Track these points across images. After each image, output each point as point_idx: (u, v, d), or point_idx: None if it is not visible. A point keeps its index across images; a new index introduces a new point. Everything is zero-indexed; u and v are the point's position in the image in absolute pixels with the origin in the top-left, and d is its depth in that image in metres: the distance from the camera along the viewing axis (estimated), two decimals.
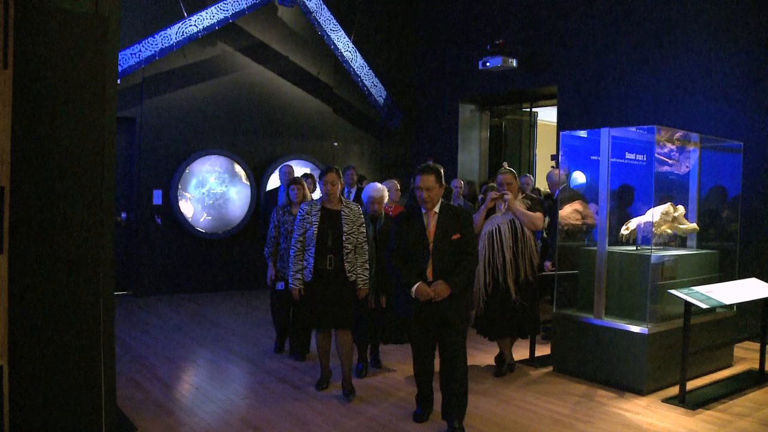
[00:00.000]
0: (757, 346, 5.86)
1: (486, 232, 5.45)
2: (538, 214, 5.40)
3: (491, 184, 7.33)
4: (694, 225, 6.02)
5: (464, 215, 4.27)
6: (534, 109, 11.42)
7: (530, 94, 10.53)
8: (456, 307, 4.15)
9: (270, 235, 5.98)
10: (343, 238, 4.82)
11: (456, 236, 4.14)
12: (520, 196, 5.49)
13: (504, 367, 5.65)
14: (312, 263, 4.81)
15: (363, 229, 4.95)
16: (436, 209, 4.21)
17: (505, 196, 5.38)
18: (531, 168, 11.27)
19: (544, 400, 4.96)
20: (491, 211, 5.53)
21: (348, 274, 4.84)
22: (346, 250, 4.83)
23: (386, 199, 5.59)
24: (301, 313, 6.00)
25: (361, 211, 5.03)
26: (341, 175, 4.98)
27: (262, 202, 9.14)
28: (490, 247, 5.40)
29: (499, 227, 5.38)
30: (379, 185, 5.54)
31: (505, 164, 5.41)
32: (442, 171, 4.16)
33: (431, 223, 4.18)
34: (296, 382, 5.35)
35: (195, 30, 8.91)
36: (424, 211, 4.22)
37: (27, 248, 3.67)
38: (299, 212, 4.94)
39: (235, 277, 9.83)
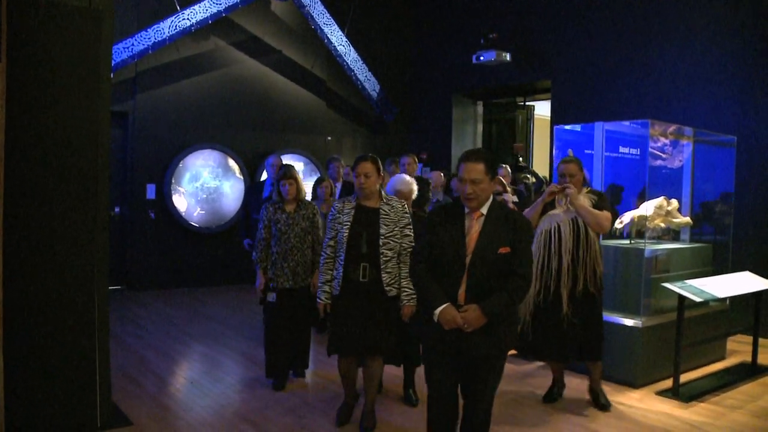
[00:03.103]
0: (749, 339, 5.90)
1: (542, 230, 4.59)
2: (606, 213, 4.49)
3: (497, 177, 7.12)
4: (688, 219, 6.05)
5: (521, 223, 3.21)
6: (530, 103, 11.42)
7: (524, 88, 10.53)
8: (491, 342, 3.13)
9: (259, 237, 5.06)
10: (380, 243, 3.97)
11: (504, 249, 3.11)
12: (584, 191, 4.64)
13: (554, 391, 4.89)
14: (341, 273, 4.01)
15: (408, 232, 4.07)
16: (484, 210, 3.19)
17: (567, 190, 4.49)
18: (528, 161, 11.26)
19: (538, 394, 4.97)
20: (548, 206, 4.67)
21: (386, 288, 3.98)
22: (385, 258, 3.97)
23: (415, 194, 4.75)
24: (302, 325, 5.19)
25: (407, 210, 4.16)
26: (381, 166, 4.13)
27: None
28: (546, 249, 4.54)
29: (559, 226, 4.52)
30: (407, 177, 4.71)
31: (570, 152, 4.81)
32: (495, 160, 3.23)
33: (474, 227, 3.16)
34: (292, 376, 5.35)
35: (188, 24, 8.87)
36: (467, 210, 3.20)
37: (21, 243, 3.66)
38: (331, 211, 4.13)
39: (229, 271, 9.80)
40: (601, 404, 4.68)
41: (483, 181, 3.12)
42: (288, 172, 5.05)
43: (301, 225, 4.99)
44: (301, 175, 5.18)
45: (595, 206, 4.51)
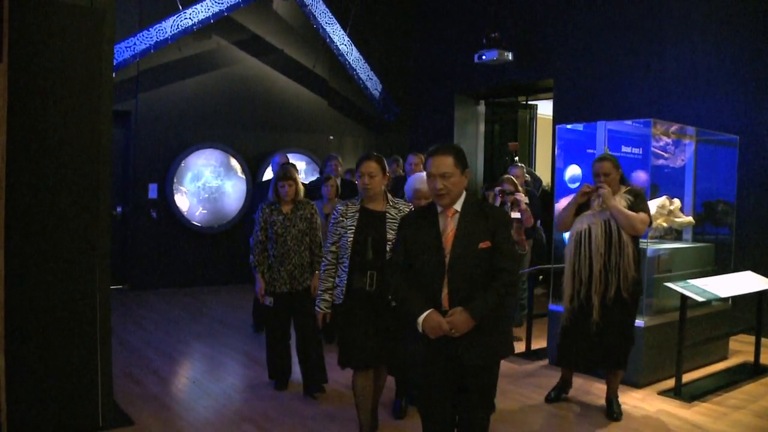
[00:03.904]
0: (752, 339, 5.88)
1: (575, 232, 4.44)
2: (642, 216, 4.28)
3: (506, 176, 6.50)
4: (690, 218, 6.04)
5: (497, 214, 3.04)
6: (532, 102, 11.40)
7: (526, 87, 10.52)
8: (483, 350, 2.92)
9: (256, 239, 4.86)
10: (387, 249, 3.66)
11: (485, 244, 2.91)
12: (622, 191, 4.42)
13: (561, 392, 4.84)
14: (345, 281, 3.72)
15: None
16: (458, 207, 2.98)
17: (600, 191, 4.31)
18: (531, 161, 11.25)
19: (540, 393, 4.96)
20: (584, 207, 4.48)
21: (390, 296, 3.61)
22: None
23: None
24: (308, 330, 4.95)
25: None
26: (386, 166, 3.85)
27: (251, 196, 9.10)
28: (576, 253, 4.39)
29: (590, 228, 4.34)
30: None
31: (606, 149, 4.63)
32: (464, 153, 3.06)
33: (449, 226, 2.95)
34: (294, 375, 5.34)
35: (190, 23, 8.87)
36: (440, 209, 3.00)
37: (23, 242, 3.66)
38: (333, 214, 3.84)
39: (230, 270, 9.81)
40: (614, 415, 4.46)
41: (453, 174, 2.93)
42: (287, 172, 4.88)
43: (298, 227, 4.82)
44: (303, 175, 4.92)
45: (630, 207, 4.31)
